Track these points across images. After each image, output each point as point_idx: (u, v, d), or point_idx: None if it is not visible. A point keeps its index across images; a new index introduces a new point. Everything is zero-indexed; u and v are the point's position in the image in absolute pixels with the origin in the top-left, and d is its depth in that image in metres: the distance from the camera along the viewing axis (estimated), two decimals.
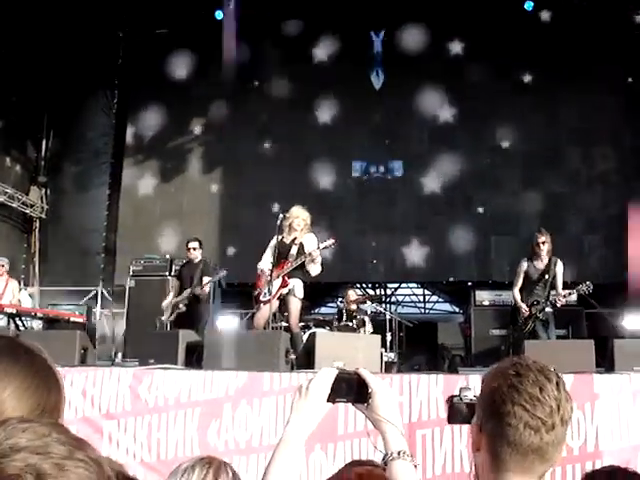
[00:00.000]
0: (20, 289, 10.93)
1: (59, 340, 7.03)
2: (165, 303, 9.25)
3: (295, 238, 7.74)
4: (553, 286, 8.21)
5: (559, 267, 8.28)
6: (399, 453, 1.82)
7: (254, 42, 13.72)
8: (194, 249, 9.33)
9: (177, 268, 10.07)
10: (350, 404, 1.91)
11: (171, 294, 9.34)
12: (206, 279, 9.04)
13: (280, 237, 7.75)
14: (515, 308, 8.43)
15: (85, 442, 1.02)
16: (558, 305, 8.10)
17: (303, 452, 1.82)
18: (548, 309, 8.16)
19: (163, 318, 9.13)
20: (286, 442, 1.77)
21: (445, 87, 13.15)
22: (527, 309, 8.14)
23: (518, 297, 8.36)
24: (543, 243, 8.22)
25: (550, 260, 8.28)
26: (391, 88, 13.31)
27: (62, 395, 1.32)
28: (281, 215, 7.86)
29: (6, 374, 1.23)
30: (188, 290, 9.04)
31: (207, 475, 2.33)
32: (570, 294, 8.14)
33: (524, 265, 8.42)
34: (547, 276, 8.22)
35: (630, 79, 12.60)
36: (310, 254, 7.58)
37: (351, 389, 1.86)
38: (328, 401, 1.82)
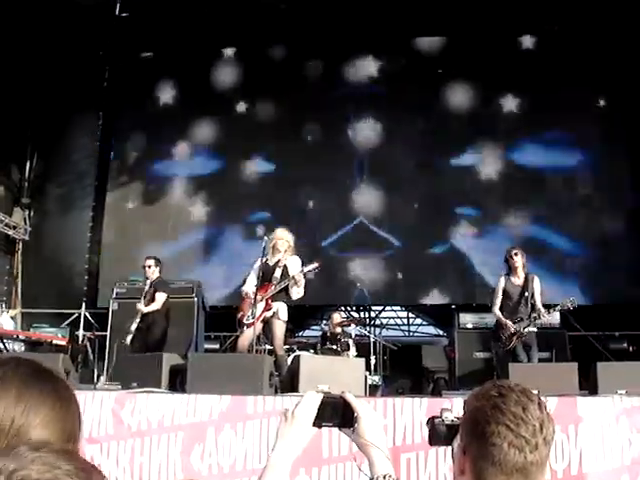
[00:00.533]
0: (2, 311, 10.93)
1: (42, 363, 6.96)
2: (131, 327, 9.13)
3: (279, 260, 7.74)
4: (532, 304, 8.24)
5: (536, 283, 8.35)
6: (384, 477, 1.83)
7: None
8: (149, 267, 9.29)
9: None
10: (336, 428, 1.92)
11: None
12: (160, 295, 9.01)
13: (264, 259, 7.76)
14: (498, 326, 8.40)
15: (93, 469, 1.01)
16: (542, 319, 8.11)
17: (288, 477, 1.82)
18: (531, 328, 8.17)
19: (123, 341, 9.00)
20: (272, 467, 1.78)
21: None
22: (512, 325, 8.12)
23: (499, 313, 8.36)
24: (516, 255, 8.31)
25: (527, 277, 8.35)
26: None
27: (81, 420, 1.32)
28: (265, 238, 7.88)
29: (36, 402, 1.22)
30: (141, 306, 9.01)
31: None
32: (554, 309, 8.14)
33: (502, 282, 8.46)
34: (526, 293, 8.26)
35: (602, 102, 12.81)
36: (294, 277, 7.58)
37: (337, 413, 1.86)
38: (314, 426, 1.82)
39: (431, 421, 2.02)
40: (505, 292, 8.40)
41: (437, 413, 2.01)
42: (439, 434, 1.99)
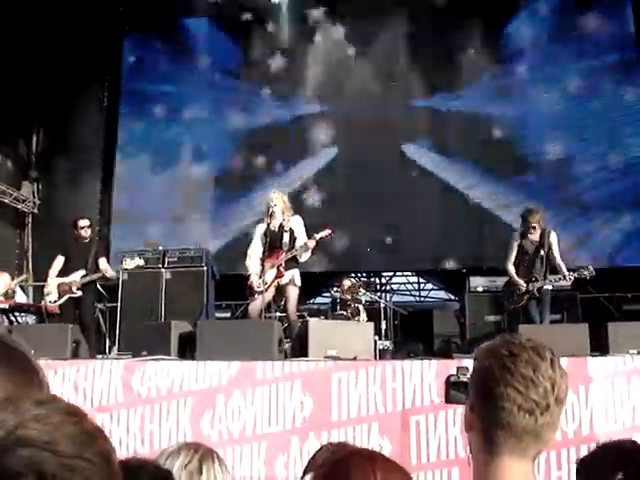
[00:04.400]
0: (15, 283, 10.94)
1: (52, 334, 7.00)
2: (51, 281, 8.63)
3: (282, 224, 7.68)
4: (550, 259, 8.08)
5: (553, 237, 8.13)
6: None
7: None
8: (85, 228, 8.73)
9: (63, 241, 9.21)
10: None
11: (55, 271, 8.67)
12: (103, 261, 8.69)
13: (265, 226, 7.70)
14: (509, 282, 8.29)
15: (98, 434, 0.96)
16: (565, 283, 8.00)
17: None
18: (547, 286, 8.04)
19: (48, 300, 8.54)
20: None
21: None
22: (524, 284, 8.01)
23: (513, 271, 8.18)
24: (534, 228, 8.13)
25: (543, 231, 8.14)
26: None
27: (45, 390, 1.27)
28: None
29: None
30: (81, 272, 8.51)
31: (192, 461, 2.30)
32: (571, 276, 7.91)
33: (517, 237, 8.27)
34: (542, 251, 8.07)
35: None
36: (306, 244, 7.54)
37: None
38: None
39: (447, 380, 1.99)
40: (520, 248, 8.21)
41: (449, 373, 1.97)
42: (455, 393, 1.96)
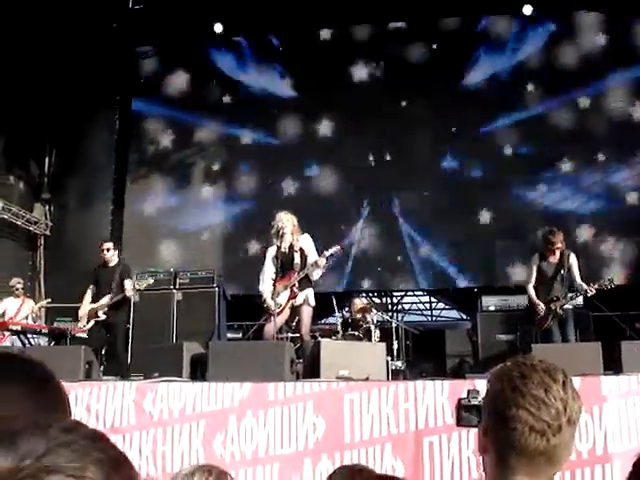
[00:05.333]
0: (39, 307, 11.12)
1: (64, 356, 7.01)
2: (82, 309, 8.85)
3: (292, 244, 7.68)
4: (570, 281, 8.08)
5: (572, 259, 8.18)
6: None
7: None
8: (107, 250, 8.94)
9: (94, 269, 9.45)
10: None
11: (87, 299, 8.91)
12: (128, 283, 8.79)
13: (276, 247, 7.71)
14: (530, 306, 8.30)
15: (124, 460, 0.96)
16: (589, 294, 7.97)
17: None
18: (568, 306, 8.07)
19: (79, 326, 8.78)
20: None
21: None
22: (544, 307, 8.02)
23: (533, 293, 8.23)
24: (558, 249, 8.15)
25: (562, 254, 8.18)
26: None
27: (65, 403, 1.28)
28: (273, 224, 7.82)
29: (7, 387, 1.19)
30: (108, 296, 8.70)
31: None
32: (592, 287, 7.89)
33: (536, 259, 8.32)
34: (562, 271, 8.10)
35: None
36: (316, 262, 7.54)
37: None
38: None
39: (458, 403, 2.00)
40: (539, 270, 8.26)
41: (462, 395, 1.98)
42: (466, 416, 1.97)
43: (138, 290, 9.01)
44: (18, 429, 0.94)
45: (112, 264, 8.98)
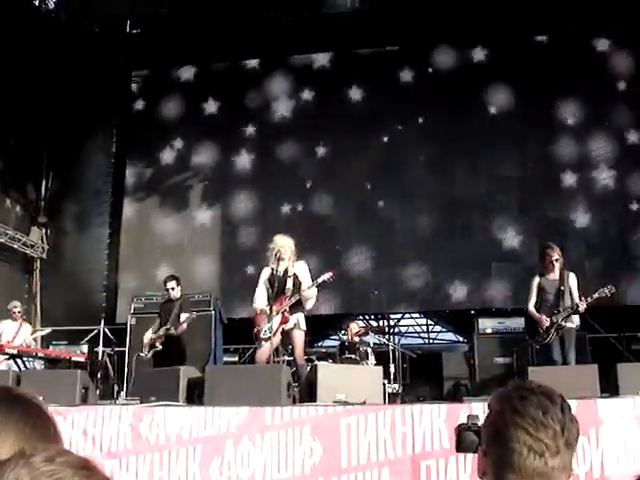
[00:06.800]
0: (35, 332, 11.11)
1: (60, 380, 7.01)
2: (144, 339, 9.17)
3: (287, 269, 7.69)
4: (571, 300, 8.06)
5: (572, 280, 8.18)
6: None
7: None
8: (172, 289, 9.26)
9: (160, 303, 9.89)
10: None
11: (150, 330, 9.22)
12: (184, 316, 9.00)
13: (271, 269, 7.72)
14: (532, 321, 8.26)
15: None
16: (581, 309, 7.96)
17: None
18: (570, 324, 8.04)
19: (142, 354, 9.06)
20: None
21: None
22: (547, 319, 7.99)
23: (534, 311, 8.20)
24: (556, 261, 8.17)
25: (562, 273, 8.19)
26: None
27: (61, 443, 1.30)
28: (270, 246, 7.83)
29: (3, 426, 1.20)
30: (164, 328, 8.98)
31: None
32: (592, 297, 7.89)
33: (536, 279, 8.32)
34: (562, 287, 8.09)
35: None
36: (309, 288, 7.55)
37: None
38: None
39: (458, 428, 2.01)
40: (540, 289, 8.25)
41: (459, 420, 1.99)
42: (466, 441, 1.98)
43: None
44: (4, 459, 0.96)
45: (175, 299, 9.28)
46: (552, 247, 8.31)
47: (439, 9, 12.54)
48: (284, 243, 7.76)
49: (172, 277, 9.47)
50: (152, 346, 9.02)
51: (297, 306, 7.63)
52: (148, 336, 9.14)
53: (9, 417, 1.21)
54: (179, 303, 9.18)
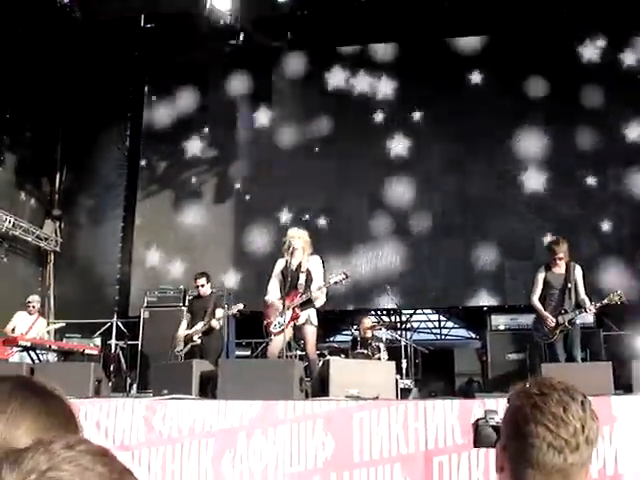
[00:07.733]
0: (48, 328, 11.19)
1: (74, 372, 7.05)
2: (179, 335, 9.25)
3: (300, 264, 7.68)
4: (577, 293, 7.98)
5: (578, 272, 8.07)
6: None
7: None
8: (202, 285, 9.40)
9: (189, 299, 10.02)
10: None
11: (183, 326, 9.33)
12: (219, 311, 9.11)
13: (284, 262, 7.71)
14: (538, 317, 8.18)
15: (127, 473, 0.98)
16: (589, 312, 7.88)
17: None
18: (577, 320, 7.96)
19: (177, 350, 9.14)
20: None
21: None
22: (553, 319, 7.92)
23: (539, 305, 8.10)
24: (560, 259, 8.08)
25: (568, 266, 8.07)
26: None
27: (78, 431, 1.29)
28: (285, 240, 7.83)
29: (19, 413, 1.20)
30: (201, 323, 9.08)
31: None
32: (602, 303, 7.85)
33: (542, 272, 8.20)
34: (569, 284, 7.98)
35: None
36: (320, 288, 7.54)
37: None
38: None
39: (476, 423, 2.00)
40: (546, 283, 8.13)
41: (472, 415, 1.99)
42: (484, 436, 1.97)
43: (234, 315, 9.47)
44: (24, 447, 0.97)
45: (207, 295, 9.41)
46: (558, 243, 8.18)
47: None
48: (296, 234, 7.76)
49: (202, 274, 9.53)
50: (188, 341, 9.12)
51: (309, 302, 7.63)
52: (182, 332, 9.23)
53: (26, 406, 1.21)
54: (213, 299, 9.30)
